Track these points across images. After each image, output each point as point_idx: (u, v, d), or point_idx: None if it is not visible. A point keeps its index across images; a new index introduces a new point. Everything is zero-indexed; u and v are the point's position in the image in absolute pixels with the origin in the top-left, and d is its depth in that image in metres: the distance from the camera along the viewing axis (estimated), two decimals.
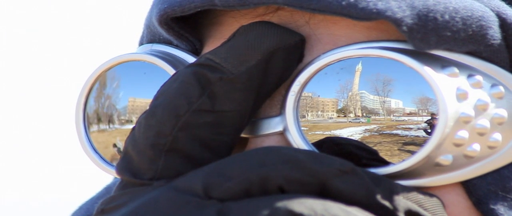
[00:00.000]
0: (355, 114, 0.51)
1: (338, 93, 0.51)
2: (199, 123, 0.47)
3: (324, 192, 0.43)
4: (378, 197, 0.44)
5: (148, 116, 0.47)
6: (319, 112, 0.52)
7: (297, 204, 0.41)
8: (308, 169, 0.43)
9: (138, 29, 0.63)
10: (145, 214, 0.43)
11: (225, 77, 0.47)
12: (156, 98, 0.48)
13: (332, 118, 0.51)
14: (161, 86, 0.48)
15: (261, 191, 0.43)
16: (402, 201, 0.45)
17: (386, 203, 0.44)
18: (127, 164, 0.47)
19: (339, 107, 0.51)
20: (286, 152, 0.44)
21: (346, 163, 0.44)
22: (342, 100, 0.51)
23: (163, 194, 0.43)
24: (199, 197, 0.43)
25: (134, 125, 0.48)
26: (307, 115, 0.51)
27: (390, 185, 0.45)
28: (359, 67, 0.50)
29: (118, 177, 0.48)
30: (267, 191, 0.43)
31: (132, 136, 0.48)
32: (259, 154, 0.44)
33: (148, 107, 0.48)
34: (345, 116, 0.51)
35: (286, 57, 0.49)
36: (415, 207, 0.45)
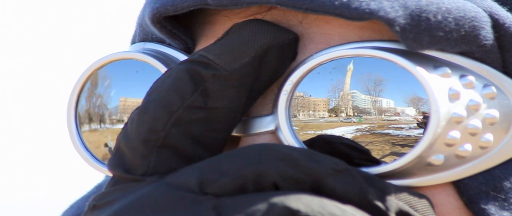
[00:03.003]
0: (346, 113, 0.51)
1: (329, 92, 0.51)
2: (191, 119, 0.46)
3: (317, 191, 0.42)
4: (371, 197, 0.43)
5: (141, 112, 0.46)
6: (311, 112, 0.51)
7: (294, 200, 0.40)
8: (303, 167, 0.43)
9: (130, 28, 0.63)
10: (140, 209, 0.42)
11: (218, 73, 0.47)
12: (148, 94, 0.47)
13: (324, 117, 0.51)
14: (154, 82, 0.48)
15: (255, 187, 0.42)
16: (394, 202, 0.44)
17: (378, 203, 0.43)
18: (119, 160, 0.46)
19: (330, 107, 0.51)
20: (281, 149, 0.43)
21: (340, 162, 0.44)
22: (334, 99, 0.51)
23: (157, 190, 0.43)
24: (194, 193, 0.42)
25: (126, 122, 0.48)
26: (299, 114, 0.51)
27: (382, 185, 0.44)
28: (350, 66, 0.50)
29: (110, 173, 0.48)
30: (261, 188, 0.42)
31: (125, 132, 0.47)
32: (254, 151, 0.43)
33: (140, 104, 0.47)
34: (336, 116, 0.51)
35: (279, 55, 0.49)
36: (406, 208, 0.45)
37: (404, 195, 0.45)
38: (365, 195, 0.43)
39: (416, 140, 0.48)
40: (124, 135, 0.47)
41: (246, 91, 0.48)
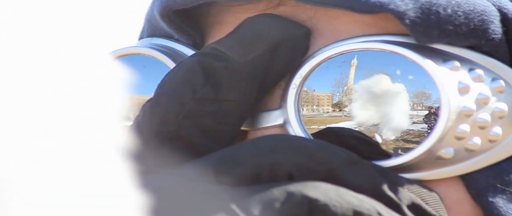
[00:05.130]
0: (350, 108, 0.50)
1: (333, 87, 0.50)
2: (203, 111, 0.45)
3: (330, 181, 0.41)
4: (384, 188, 0.42)
5: (153, 103, 0.45)
6: (315, 107, 0.50)
7: (312, 189, 0.39)
8: (318, 157, 0.41)
9: (137, 24, 0.62)
10: (154, 200, 0.41)
11: (230, 66, 0.45)
12: (160, 86, 0.46)
13: (328, 112, 0.50)
14: (166, 74, 0.46)
15: (270, 177, 0.41)
16: (406, 194, 0.43)
17: (391, 195, 0.42)
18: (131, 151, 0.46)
19: (334, 102, 0.50)
20: (295, 139, 0.42)
21: (353, 154, 0.43)
22: (338, 94, 0.50)
23: (172, 181, 0.41)
24: (210, 183, 0.41)
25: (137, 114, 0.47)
26: (303, 109, 0.50)
27: (394, 178, 0.43)
28: (354, 61, 0.49)
29: None
30: (276, 178, 0.41)
31: (136, 123, 0.46)
32: (269, 141, 0.42)
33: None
34: (340, 111, 0.50)
35: (291, 49, 0.47)
36: (418, 201, 0.43)
37: (416, 188, 0.44)
38: (379, 186, 0.42)
39: (426, 133, 0.47)
40: (135, 127, 0.46)
41: (257, 84, 0.46)
